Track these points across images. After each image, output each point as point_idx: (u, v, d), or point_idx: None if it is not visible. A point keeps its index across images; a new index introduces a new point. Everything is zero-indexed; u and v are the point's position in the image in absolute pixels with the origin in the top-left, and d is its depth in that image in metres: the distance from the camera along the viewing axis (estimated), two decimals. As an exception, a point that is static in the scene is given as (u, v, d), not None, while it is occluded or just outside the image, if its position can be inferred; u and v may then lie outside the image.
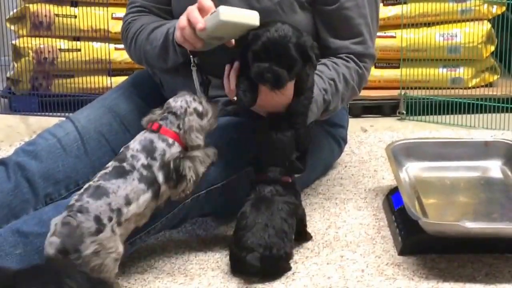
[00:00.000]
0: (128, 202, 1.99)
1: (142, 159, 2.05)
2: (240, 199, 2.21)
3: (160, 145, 2.07)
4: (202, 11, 2.14)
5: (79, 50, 3.34)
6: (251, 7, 2.21)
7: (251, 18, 2.10)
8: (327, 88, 2.27)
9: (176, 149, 2.09)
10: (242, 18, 2.10)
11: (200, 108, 2.14)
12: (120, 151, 2.09)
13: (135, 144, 2.08)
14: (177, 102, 2.14)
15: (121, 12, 3.16)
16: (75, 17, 3.32)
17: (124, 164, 2.04)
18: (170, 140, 2.09)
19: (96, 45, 3.35)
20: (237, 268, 2.16)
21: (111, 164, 2.06)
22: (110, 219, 1.94)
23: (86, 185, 2.00)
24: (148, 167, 2.04)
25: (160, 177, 2.05)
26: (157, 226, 2.19)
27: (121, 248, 1.96)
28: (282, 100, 2.19)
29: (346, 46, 2.34)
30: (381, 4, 3.24)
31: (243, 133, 2.32)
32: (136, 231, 2.11)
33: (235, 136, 2.33)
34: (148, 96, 2.51)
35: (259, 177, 2.23)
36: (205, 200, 2.26)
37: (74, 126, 2.41)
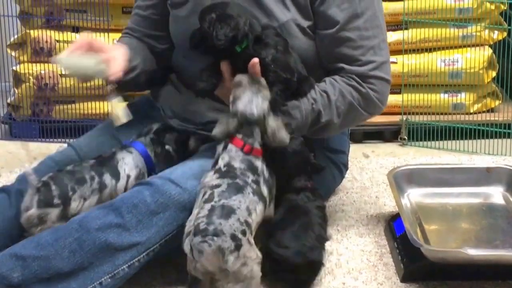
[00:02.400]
0: (250, 213, 2.05)
1: (251, 176, 2.10)
2: None
3: (258, 163, 2.14)
4: (91, 47, 2.23)
5: (80, 76, 3.35)
6: None
7: (92, 67, 2.21)
8: (316, 98, 2.27)
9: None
10: (83, 69, 2.22)
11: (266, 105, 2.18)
12: (223, 169, 2.12)
13: (238, 163, 2.12)
14: (250, 108, 2.15)
15: (122, 38, 3.16)
16: (76, 43, 3.32)
17: (238, 181, 2.08)
18: (261, 158, 2.15)
19: (97, 71, 3.35)
20: (273, 270, 2.16)
21: (223, 182, 2.09)
22: (244, 233, 1.98)
23: (208, 206, 2.02)
24: (256, 182, 2.11)
25: (265, 190, 2.13)
26: (156, 249, 2.17)
27: (259, 252, 2.03)
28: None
29: (348, 68, 2.32)
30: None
31: None
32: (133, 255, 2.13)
33: None
34: (148, 123, 2.52)
35: (286, 189, 2.26)
36: None
37: (76, 153, 2.42)
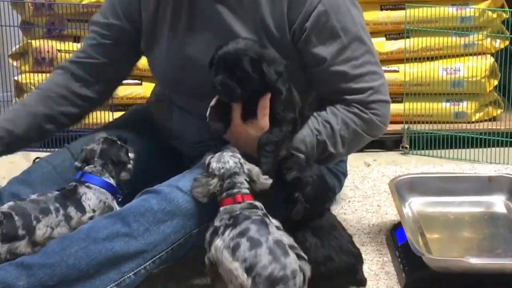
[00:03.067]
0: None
1: (258, 211, 2.10)
2: None
3: (257, 203, 2.11)
4: None
5: (81, 85, 3.36)
6: None
7: None
8: (320, 129, 2.25)
9: None
10: None
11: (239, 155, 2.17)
12: (229, 222, 2.08)
13: (239, 211, 2.08)
14: (228, 162, 2.13)
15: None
16: (78, 52, 3.32)
17: (255, 218, 2.08)
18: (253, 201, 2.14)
19: (98, 80, 3.35)
20: None
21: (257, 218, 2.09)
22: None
23: (261, 251, 2.02)
24: (266, 215, 2.10)
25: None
26: (163, 256, 2.17)
27: None
28: (251, 129, 2.19)
29: (349, 98, 2.28)
30: (383, 38, 3.30)
31: None
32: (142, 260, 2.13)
33: None
34: (142, 128, 2.54)
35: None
36: None
37: (70, 153, 2.42)
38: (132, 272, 2.10)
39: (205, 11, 2.28)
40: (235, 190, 2.10)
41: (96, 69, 2.45)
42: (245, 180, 2.12)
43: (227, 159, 2.12)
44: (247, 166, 2.13)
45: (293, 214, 2.17)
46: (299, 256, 2.06)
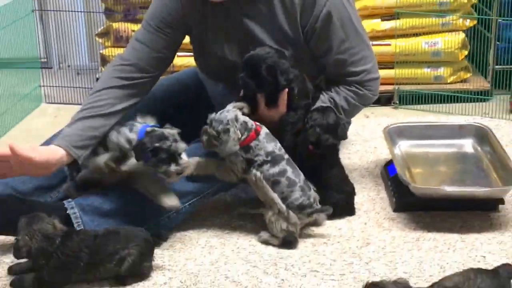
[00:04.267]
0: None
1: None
2: None
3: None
4: None
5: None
6: None
7: None
8: (325, 102, 2.25)
9: None
10: None
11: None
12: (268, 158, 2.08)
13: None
14: (226, 115, 2.07)
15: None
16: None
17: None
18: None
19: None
20: None
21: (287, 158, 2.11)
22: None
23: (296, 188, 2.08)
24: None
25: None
26: (214, 189, 2.17)
27: None
28: (275, 114, 2.18)
29: (349, 80, 2.27)
30: (379, 20, 3.23)
31: None
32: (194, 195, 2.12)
33: None
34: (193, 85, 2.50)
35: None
36: None
37: None
38: (188, 203, 2.13)
39: (236, 23, 2.23)
40: (250, 126, 2.08)
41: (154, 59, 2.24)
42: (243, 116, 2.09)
43: (225, 114, 2.07)
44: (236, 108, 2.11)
45: (309, 134, 2.17)
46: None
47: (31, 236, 1.85)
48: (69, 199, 2.08)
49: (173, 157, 1.96)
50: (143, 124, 2.06)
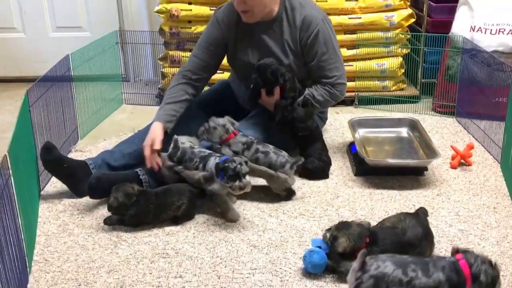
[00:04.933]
0: None
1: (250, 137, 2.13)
2: None
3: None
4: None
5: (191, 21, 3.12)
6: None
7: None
8: (307, 95, 2.24)
9: None
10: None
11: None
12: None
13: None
14: (217, 123, 2.10)
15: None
16: (191, 10, 3.10)
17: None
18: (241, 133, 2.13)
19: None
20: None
21: (255, 141, 2.09)
22: None
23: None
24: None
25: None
26: None
27: None
28: (272, 100, 2.20)
29: (325, 81, 2.26)
30: (345, 49, 3.20)
31: None
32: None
33: None
34: (222, 96, 2.47)
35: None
36: None
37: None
38: None
39: (257, 39, 2.24)
40: (230, 130, 2.10)
41: (204, 67, 2.28)
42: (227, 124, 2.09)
43: (218, 120, 2.09)
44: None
45: (302, 104, 2.19)
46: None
47: (117, 196, 1.85)
48: (140, 168, 2.09)
49: (238, 175, 1.85)
50: (224, 156, 1.97)
